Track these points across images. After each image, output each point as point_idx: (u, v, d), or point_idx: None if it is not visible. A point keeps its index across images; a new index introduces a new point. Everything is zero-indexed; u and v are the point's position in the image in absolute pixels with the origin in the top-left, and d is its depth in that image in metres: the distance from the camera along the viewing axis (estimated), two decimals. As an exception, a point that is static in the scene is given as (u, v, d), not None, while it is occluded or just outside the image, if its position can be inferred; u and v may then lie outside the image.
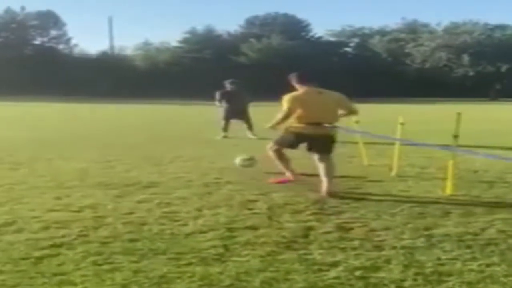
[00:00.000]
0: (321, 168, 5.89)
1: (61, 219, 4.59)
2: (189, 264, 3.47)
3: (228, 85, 12.84)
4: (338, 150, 6.56)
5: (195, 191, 5.90)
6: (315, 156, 6.01)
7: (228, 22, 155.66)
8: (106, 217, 4.67)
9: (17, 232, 4.16)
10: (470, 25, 69.92)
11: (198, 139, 11.98)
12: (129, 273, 3.30)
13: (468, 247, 3.89)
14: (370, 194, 5.85)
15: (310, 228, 4.39)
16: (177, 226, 4.42)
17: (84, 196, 5.56)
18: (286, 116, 5.96)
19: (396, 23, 78.89)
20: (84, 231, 4.22)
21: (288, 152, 6.47)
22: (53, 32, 71.25)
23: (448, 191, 5.80)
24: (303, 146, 6.15)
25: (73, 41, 72.81)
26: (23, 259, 3.53)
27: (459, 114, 5.75)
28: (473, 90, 61.11)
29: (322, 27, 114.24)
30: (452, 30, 69.76)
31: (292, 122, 5.97)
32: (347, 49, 78.18)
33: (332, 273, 3.32)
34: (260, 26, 74.39)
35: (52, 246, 3.82)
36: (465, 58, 65.91)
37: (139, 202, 5.35)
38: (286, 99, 5.92)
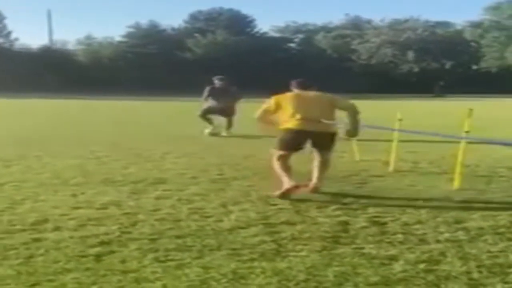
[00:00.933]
0: (315, 162, 5.86)
1: (92, 216, 4.45)
2: (252, 260, 3.43)
3: (216, 82, 12.48)
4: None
5: (206, 187, 5.84)
6: (315, 152, 5.95)
7: (173, 17, 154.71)
8: (136, 214, 4.56)
9: (56, 230, 4.01)
10: (412, 22, 71.96)
11: (173, 135, 11.76)
12: (198, 269, 3.23)
13: (509, 239, 4.01)
14: (380, 188, 5.94)
15: (346, 223, 4.42)
16: (214, 222, 4.36)
17: (98, 193, 5.41)
18: (270, 108, 5.89)
19: (339, 19, 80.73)
20: (123, 228, 4.10)
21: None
22: (-7, 26, 68.62)
23: (456, 185, 5.98)
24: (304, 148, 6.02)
25: (13, 35, 70.49)
26: (82, 256, 3.41)
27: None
28: (418, 86, 62.93)
29: (266, 23, 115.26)
30: (396, 26, 71.60)
31: (286, 121, 5.75)
32: (292, 45, 78.91)
33: (397, 266, 3.36)
34: (205, 21, 74.23)
35: (101, 243, 3.70)
36: (410, 54, 67.97)
37: (157, 198, 5.25)
38: (275, 96, 5.95)
